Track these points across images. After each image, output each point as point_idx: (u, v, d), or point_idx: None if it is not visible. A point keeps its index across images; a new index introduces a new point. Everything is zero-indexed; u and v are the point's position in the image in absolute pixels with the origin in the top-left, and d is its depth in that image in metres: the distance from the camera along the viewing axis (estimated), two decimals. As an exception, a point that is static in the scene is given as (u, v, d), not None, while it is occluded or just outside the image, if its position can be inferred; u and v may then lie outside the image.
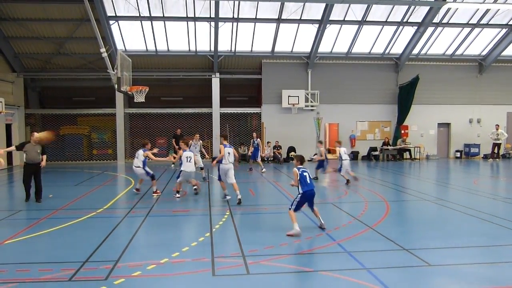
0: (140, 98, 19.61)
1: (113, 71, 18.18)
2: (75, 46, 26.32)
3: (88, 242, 8.87)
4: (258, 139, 23.28)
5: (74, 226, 10.36)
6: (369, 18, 25.61)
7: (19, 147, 13.94)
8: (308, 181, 9.69)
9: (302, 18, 25.26)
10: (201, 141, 19.13)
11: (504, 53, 29.29)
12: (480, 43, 28.95)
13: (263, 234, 9.57)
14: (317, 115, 28.76)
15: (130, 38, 26.02)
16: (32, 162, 13.60)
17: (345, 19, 25.49)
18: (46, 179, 16.63)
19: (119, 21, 24.49)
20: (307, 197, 9.66)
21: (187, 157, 13.94)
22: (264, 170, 21.79)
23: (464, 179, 20.06)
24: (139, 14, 23.87)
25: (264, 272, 7.16)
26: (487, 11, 25.50)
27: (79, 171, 22.95)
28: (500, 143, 28.22)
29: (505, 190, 16.59)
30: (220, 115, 28.40)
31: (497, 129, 27.80)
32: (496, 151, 28.12)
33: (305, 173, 9.73)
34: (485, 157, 29.49)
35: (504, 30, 27.85)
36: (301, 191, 9.58)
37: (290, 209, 9.59)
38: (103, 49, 18.56)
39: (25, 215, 10.94)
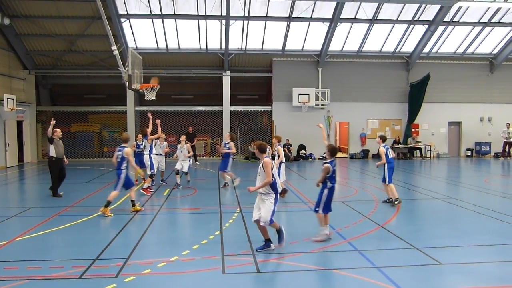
0: (151, 96, 19.64)
1: (124, 68, 18.23)
2: (87, 44, 26.40)
3: (98, 239, 8.94)
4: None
5: (85, 224, 10.43)
6: (380, 16, 25.45)
7: (51, 140, 14.05)
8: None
9: (312, 17, 25.11)
10: (188, 144, 16.90)
11: (515, 52, 29.05)
12: (491, 42, 28.66)
13: (273, 232, 9.57)
14: (327, 113, 28.68)
15: (141, 36, 26.04)
16: (62, 156, 14.11)
17: (356, 17, 25.32)
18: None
19: (131, 19, 24.52)
20: (332, 194, 8.96)
21: None
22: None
23: (474, 177, 19.95)
24: (150, 12, 23.88)
25: (274, 270, 7.19)
26: (498, 9, 25.28)
27: (90, 169, 23.08)
28: (511, 142, 28.02)
29: (517, 190, 16.45)
30: (231, 113, 28.38)
31: (508, 128, 27.63)
32: (507, 149, 27.96)
33: (335, 167, 8.94)
34: (496, 155, 29.29)
35: (515, 29, 27.63)
36: (329, 186, 8.87)
37: (317, 211, 8.92)
38: (114, 47, 18.59)
39: (36, 212, 11.02)
